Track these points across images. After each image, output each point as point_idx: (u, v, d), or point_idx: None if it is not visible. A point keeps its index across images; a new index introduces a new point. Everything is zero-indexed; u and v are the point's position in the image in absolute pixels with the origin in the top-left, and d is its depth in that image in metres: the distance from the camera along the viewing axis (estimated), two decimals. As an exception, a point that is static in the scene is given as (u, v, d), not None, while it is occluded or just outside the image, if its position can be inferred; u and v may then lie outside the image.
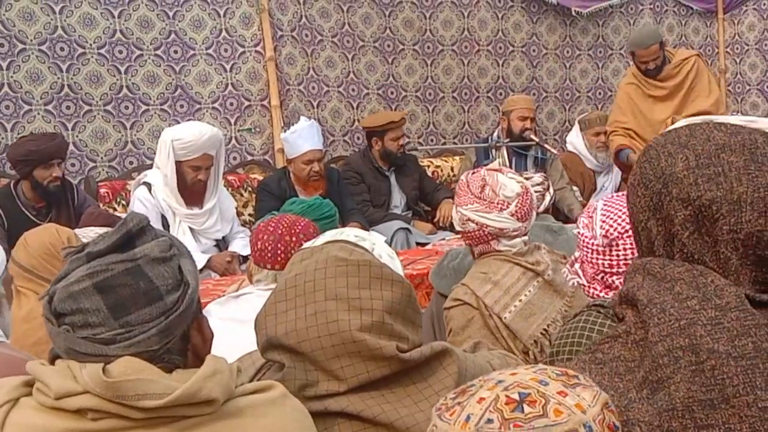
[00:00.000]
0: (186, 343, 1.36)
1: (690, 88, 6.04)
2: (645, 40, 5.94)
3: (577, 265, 2.37)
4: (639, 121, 6.07)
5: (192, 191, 4.58)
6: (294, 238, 2.59)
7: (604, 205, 2.21)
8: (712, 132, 1.28)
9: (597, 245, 2.18)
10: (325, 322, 1.56)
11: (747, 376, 1.15)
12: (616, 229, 2.14)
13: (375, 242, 1.77)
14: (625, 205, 2.13)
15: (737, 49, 7.65)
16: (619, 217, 2.15)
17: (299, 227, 2.63)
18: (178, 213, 4.57)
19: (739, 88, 7.64)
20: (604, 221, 2.17)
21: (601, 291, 2.22)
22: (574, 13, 7.00)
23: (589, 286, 2.26)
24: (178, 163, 4.53)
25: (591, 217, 2.21)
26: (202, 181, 4.56)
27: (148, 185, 4.57)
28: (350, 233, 1.78)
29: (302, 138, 5.06)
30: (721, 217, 1.23)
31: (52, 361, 1.31)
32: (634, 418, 1.17)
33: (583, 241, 2.23)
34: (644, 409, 1.17)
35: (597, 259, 2.20)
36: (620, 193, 2.23)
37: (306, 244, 1.79)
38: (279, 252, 2.59)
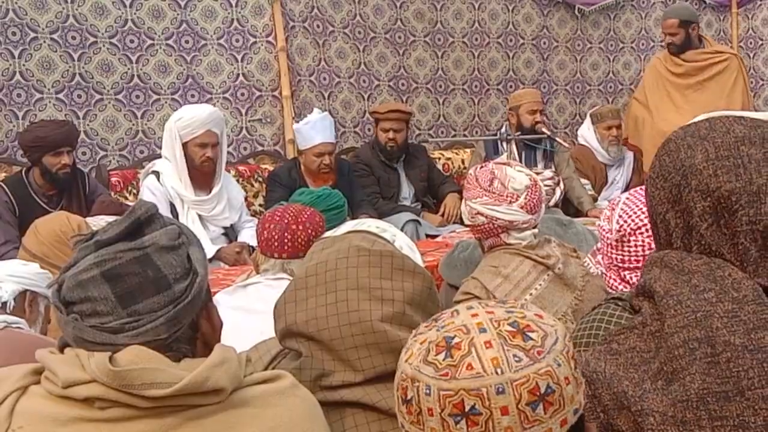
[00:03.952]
0: (195, 332, 1.35)
1: (708, 80, 5.98)
2: (668, 11, 6.01)
3: (599, 255, 2.39)
4: (654, 92, 6.04)
5: (201, 172, 4.59)
6: (300, 227, 2.60)
7: (627, 198, 2.22)
8: (732, 125, 1.29)
9: (611, 239, 2.18)
10: (346, 311, 1.56)
11: (762, 369, 1.15)
12: (629, 225, 2.14)
13: (396, 234, 1.77)
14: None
15: (751, 43, 7.61)
16: (635, 213, 2.15)
17: (305, 216, 2.64)
18: (187, 200, 4.58)
19: (752, 83, 7.58)
20: (620, 216, 2.17)
21: (618, 281, 2.22)
22: (576, 12, 6.99)
23: (607, 276, 2.27)
24: (185, 145, 4.54)
25: (613, 209, 2.21)
26: (211, 159, 4.56)
27: (157, 174, 4.59)
28: (371, 224, 1.78)
29: (315, 130, 5.06)
30: (740, 209, 1.23)
31: (61, 350, 1.31)
32: (648, 409, 1.17)
33: (601, 233, 2.24)
34: (659, 399, 1.18)
35: (611, 252, 2.20)
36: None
37: (327, 234, 1.79)
38: (286, 241, 2.59)
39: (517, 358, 1.04)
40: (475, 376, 1.02)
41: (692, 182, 1.27)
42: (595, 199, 5.96)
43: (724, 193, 1.24)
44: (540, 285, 2.60)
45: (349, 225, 1.78)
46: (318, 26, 5.95)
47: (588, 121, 6.38)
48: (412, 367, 1.07)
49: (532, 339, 1.06)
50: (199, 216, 4.63)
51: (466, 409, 1.02)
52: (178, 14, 5.45)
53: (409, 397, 1.07)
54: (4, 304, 2.40)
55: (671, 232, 1.31)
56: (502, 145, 5.68)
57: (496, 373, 1.03)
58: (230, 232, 4.82)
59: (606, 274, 2.25)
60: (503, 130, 5.86)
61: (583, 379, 1.10)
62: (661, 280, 1.26)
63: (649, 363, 1.23)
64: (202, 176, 4.62)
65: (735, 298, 1.20)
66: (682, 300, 1.22)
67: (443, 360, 1.05)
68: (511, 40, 6.83)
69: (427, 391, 1.04)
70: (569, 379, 1.05)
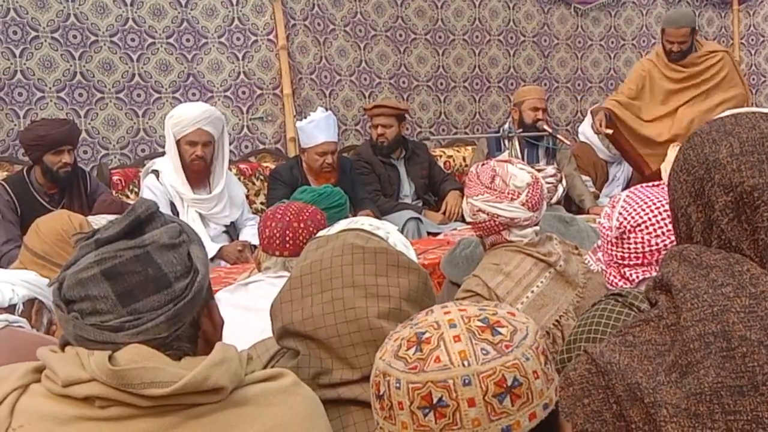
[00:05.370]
0: (196, 330, 1.35)
1: (708, 81, 5.99)
2: (679, 19, 5.86)
3: (599, 253, 2.39)
4: (644, 97, 6.01)
5: (192, 170, 4.60)
6: (302, 225, 2.60)
7: (627, 196, 2.22)
8: (757, 121, 1.29)
9: (611, 236, 2.18)
10: (342, 309, 1.56)
11: None
12: (629, 222, 2.14)
13: (389, 231, 1.77)
14: (646, 197, 2.13)
15: (752, 40, 7.60)
16: (635, 210, 2.15)
17: (307, 214, 2.64)
18: (186, 198, 4.59)
19: (754, 79, 7.59)
20: (620, 213, 2.17)
21: (618, 278, 2.22)
22: (573, 11, 6.98)
23: (607, 273, 2.28)
24: (178, 143, 4.56)
25: (613, 206, 2.21)
26: (201, 158, 4.56)
27: (156, 172, 4.60)
28: (365, 222, 1.78)
29: (318, 129, 5.06)
30: (762, 205, 1.23)
31: (62, 348, 1.31)
32: (662, 401, 1.17)
33: (601, 230, 2.24)
34: (672, 392, 1.17)
35: (611, 249, 2.20)
36: (647, 185, 2.22)
37: (320, 233, 1.78)
38: (287, 239, 2.59)
39: (484, 351, 1.05)
40: (443, 368, 1.04)
41: (715, 176, 1.26)
42: (597, 197, 5.96)
43: (747, 189, 1.24)
44: (541, 282, 2.60)
45: (343, 223, 1.77)
46: (319, 24, 5.95)
47: (588, 117, 6.38)
48: (384, 362, 1.09)
49: (501, 334, 1.07)
50: (200, 214, 4.63)
51: (434, 402, 1.03)
52: (178, 13, 5.45)
53: (381, 392, 1.08)
54: (13, 306, 2.43)
55: (692, 226, 1.31)
56: (504, 142, 5.68)
57: (463, 365, 1.04)
58: (231, 230, 4.82)
59: (606, 271, 2.25)
60: (506, 126, 5.87)
61: (555, 376, 1.10)
62: (679, 273, 1.26)
63: (664, 356, 1.22)
64: (195, 174, 4.62)
65: (752, 294, 1.20)
66: (699, 294, 1.21)
67: (413, 354, 1.07)
68: (511, 38, 6.83)
69: (398, 385, 1.06)
70: (538, 373, 1.06)
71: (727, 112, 1.36)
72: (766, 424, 1.14)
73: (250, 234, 4.70)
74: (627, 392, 1.20)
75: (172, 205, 4.56)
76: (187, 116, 4.55)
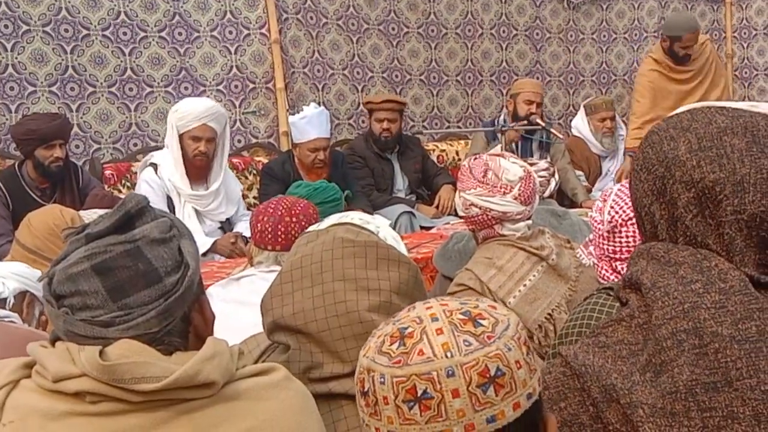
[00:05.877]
0: (187, 325, 1.35)
1: (710, 72, 6.17)
2: (693, 25, 6.11)
3: (591, 247, 2.40)
4: (658, 108, 6.12)
5: (194, 166, 4.59)
6: (294, 219, 2.60)
7: (618, 190, 2.22)
8: (713, 115, 1.29)
9: (602, 230, 2.19)
10: (332, 303, 1.56)
11: (750, 360, 1.15)
12: (620, 216, 2.14)
13: (380, 225, 1.77)
14: None
15: (744, 33, 7.60)
16: (626, 204, 2.16)
17: (299, 208, 2.64)
18: (183, 193, 4.58)
19: (746, 73, 7.60)
20: (611, 207, 2.18)
21: (609, 272, 2.23)
22: (565, 4, 6.99)
23: (599, 267, 2.28)
24: (180, 137, 4.55)
25: (605, 200, 2.22)
26: (204, 154, 4.56)
27: (155, 166, 4.59)
28: (355, 216, 1.78)
29: (311, 125, 5.04)
30: (725, 199, 1.23)
31: (53, 343, 1.30)
32: (638, 401, 1.17)
33: (593, 224, 2.25)
34: (647, 391, 1.18)
35: (602, 243, 2.21)
36: None
37: (311, 228, 1.79)
38: (279, 233, 2.59)
39: (467, 343, 1.06)
40: (426, 361, 1.04)
41: (676, 174, 1.27)
42: (590, 191, 5.98)
43: (708, 184, 1.24)
44: (534, 276, 2.61)
45: (333, 218, 1.78)
46: (311, 18, 5.94)
47: (581, 112, 6.39)
48: (368, 359, 1.10)
49: (482, 325, 1.08)
50: (196, 210, 4.62)
51: (419, 394, 1.04)
52: (170, 6, 5.44)
53: (366, 389, 1.09)
54: (4, 300, 2.41)
55: (656, 224, 1.31)
56: (498, 136, 5.69)
57: (446, 356, 1.04)
58: (226, 226, 4.81)
59: (597, 265, 2.26)
60: (501, 118, 5.89)
61: (538, 367, 1.11)
62: (647, 272, 1.26)
63: (638, 355, 1.23)
64: (195, 170, 4.61)
65: (722, 289, 1.20)
66: (669, 291, 1.22)
67: (396, 349, 1.07)
68: (503, 31, 6.82)
69: (382, 380, 1.06)
70: (521, 363, 1.07)
71: (682, 108, 1.36)
72: (741, 419, 1.14)
73: (243, 228, 4.69)
74: (603, 394, 1.21)
75: (169, 200, 4.55)
76: (192, 111, 4.54)
